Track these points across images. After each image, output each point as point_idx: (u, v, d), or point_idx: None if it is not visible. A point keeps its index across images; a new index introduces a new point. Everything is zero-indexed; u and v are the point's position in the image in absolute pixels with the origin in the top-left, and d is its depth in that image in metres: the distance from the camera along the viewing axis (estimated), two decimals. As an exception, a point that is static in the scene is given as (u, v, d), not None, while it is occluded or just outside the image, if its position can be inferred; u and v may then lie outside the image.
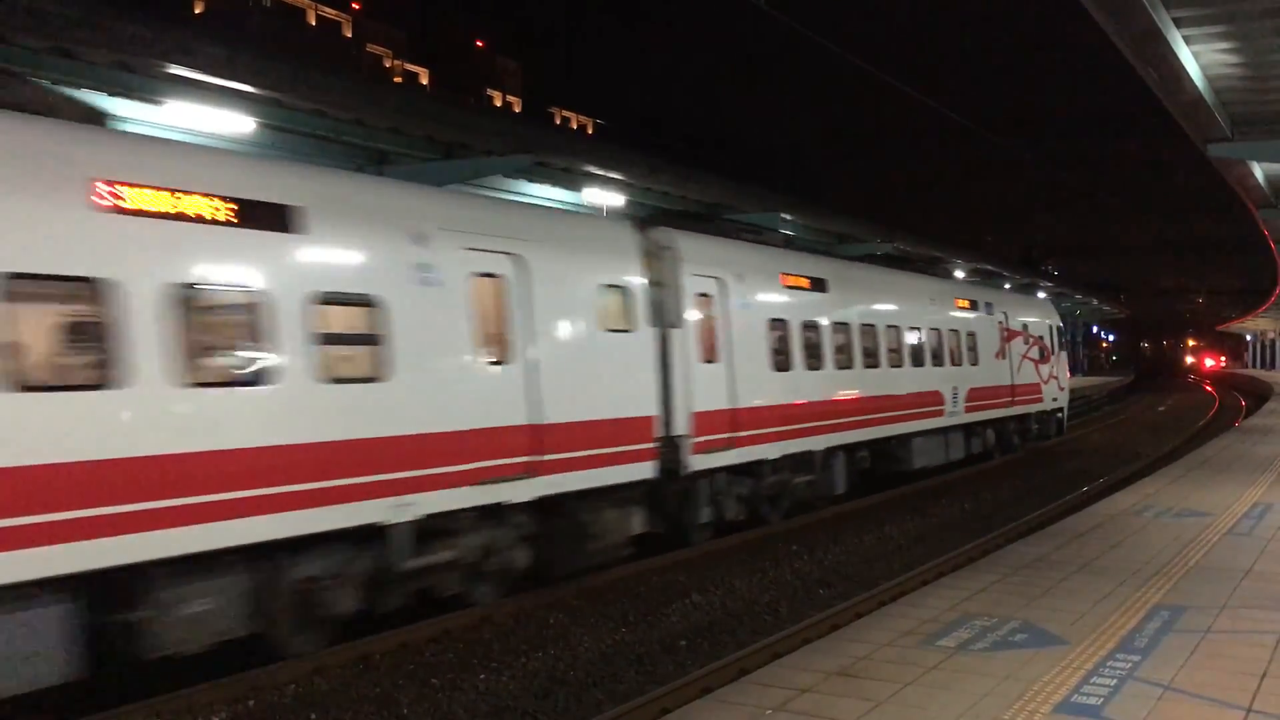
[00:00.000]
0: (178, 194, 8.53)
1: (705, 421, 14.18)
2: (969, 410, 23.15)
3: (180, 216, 8.51)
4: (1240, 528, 13.24)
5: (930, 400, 21.28)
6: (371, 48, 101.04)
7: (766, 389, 15.73)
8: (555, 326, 11.91)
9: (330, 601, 9.63)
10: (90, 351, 7.96)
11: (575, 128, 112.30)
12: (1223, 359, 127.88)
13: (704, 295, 14.58)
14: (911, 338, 20.84)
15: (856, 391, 18.35)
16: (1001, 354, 25.49)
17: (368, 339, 9.89)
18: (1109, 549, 11.93)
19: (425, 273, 10.40)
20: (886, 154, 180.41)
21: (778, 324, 16.28)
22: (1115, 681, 7.15)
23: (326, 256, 9.61)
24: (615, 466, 12.59)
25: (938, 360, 21.84)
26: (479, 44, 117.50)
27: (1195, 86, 18.46)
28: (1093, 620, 8.73)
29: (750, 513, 15.93)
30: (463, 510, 10.65)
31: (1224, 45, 17.02)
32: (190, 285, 8.51)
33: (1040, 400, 28.14)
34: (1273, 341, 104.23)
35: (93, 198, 8.00)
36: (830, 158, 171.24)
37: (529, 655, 10.26)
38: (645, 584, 13.06)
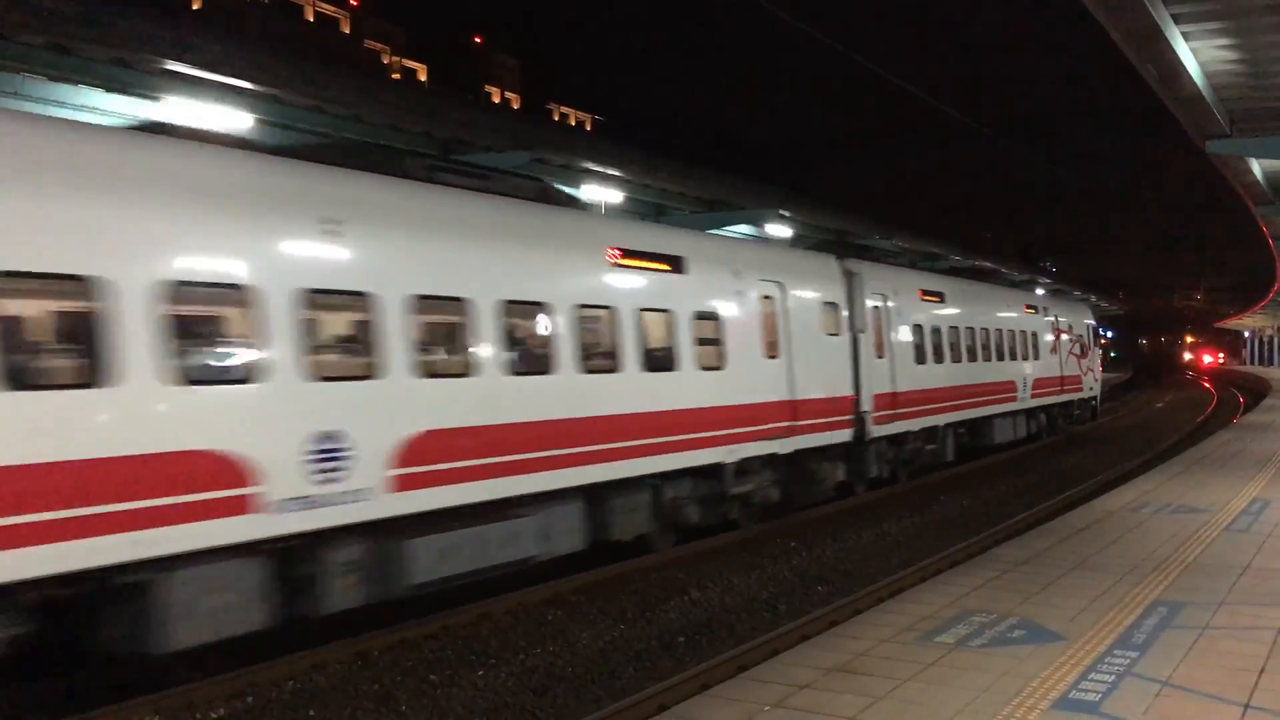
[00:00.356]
0: (643, 252, 13.73)
1: (879, 401, 18.97)
2: (1033, 397, 28.31)
3: (641, 267, 13.51)
4: (1238, 524, 13.25)
5: (1009, 389, 26.52)
6: (369, 44, 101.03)
7: (912, 378, 20.57)
8: (800, 331, 16.67)
9: (685, 515, 14.22)
10: (602, 349, 12.73)
11: (574, 124, 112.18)
12: (1221, 356, 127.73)
13: (876, 308, 19.52)
14: (997, 337, 25.91)
15: (963, 380, 23.28)
16: (1054, 350, 30.65)
17: (714, 341, 14.67)
18: (1107, 545, 11.94)
19: (739, 296, 15.31)
20: (886, 152, 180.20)
21: (917, 328, 21.30)
22: (1113, 678, 7.15)
23: (696, 287, 14.47)
24: (832, 431, 17.52)
25: (1013, 356, 27.01)
26: (477, 40, 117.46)
27: (1194, 83, 18.40)
28: (1091, 616, 8.74)
29: (891, 472, 20.33)
30: (757, 457, 15.40)
31: (1223, 41, 16.97)
32: (643, 309, 13.37)
33: (1081, 389, 33.23)
34: (1271, 338, 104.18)
35: (606, 257, 12.96)
36: (829, 155, 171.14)
37: (527, 652, 10.28)
38: (644, 580, 13.09)
